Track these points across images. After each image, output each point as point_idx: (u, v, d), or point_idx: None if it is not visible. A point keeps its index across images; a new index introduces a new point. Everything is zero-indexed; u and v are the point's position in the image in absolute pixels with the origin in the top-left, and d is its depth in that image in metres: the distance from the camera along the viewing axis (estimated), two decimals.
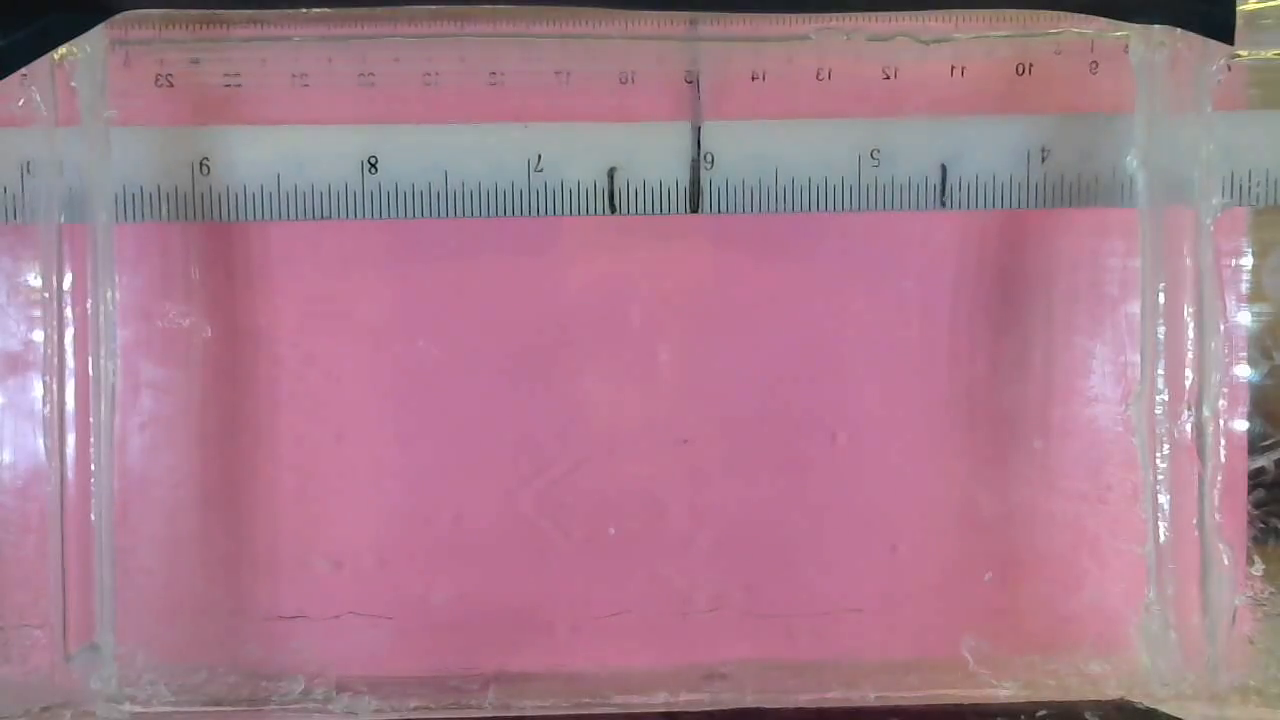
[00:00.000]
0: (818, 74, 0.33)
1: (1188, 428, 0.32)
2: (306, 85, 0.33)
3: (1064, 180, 0.33)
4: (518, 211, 0.33)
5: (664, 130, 0.33)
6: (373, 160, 0.33)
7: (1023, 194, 0.33)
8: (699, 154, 0.33)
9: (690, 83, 0.33)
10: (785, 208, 0.33)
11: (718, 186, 0.33)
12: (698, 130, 0.33)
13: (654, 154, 0.33)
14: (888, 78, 0.33)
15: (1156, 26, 0.31)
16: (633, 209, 0.33)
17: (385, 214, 0.33)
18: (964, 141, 0.33)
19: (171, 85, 0.33)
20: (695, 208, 0.33)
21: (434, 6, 0.32)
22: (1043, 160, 0.33)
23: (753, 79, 0.33)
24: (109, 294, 0.32)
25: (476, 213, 0.33)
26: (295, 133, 0.33)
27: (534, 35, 0.33)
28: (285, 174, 0.33)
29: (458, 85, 0.33)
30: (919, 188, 0.33)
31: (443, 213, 0.33)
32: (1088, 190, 0.33)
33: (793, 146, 0.33)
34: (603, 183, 0.33)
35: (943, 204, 0.33)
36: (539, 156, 0.33)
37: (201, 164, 0.33)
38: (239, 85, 0.33)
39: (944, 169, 0.33)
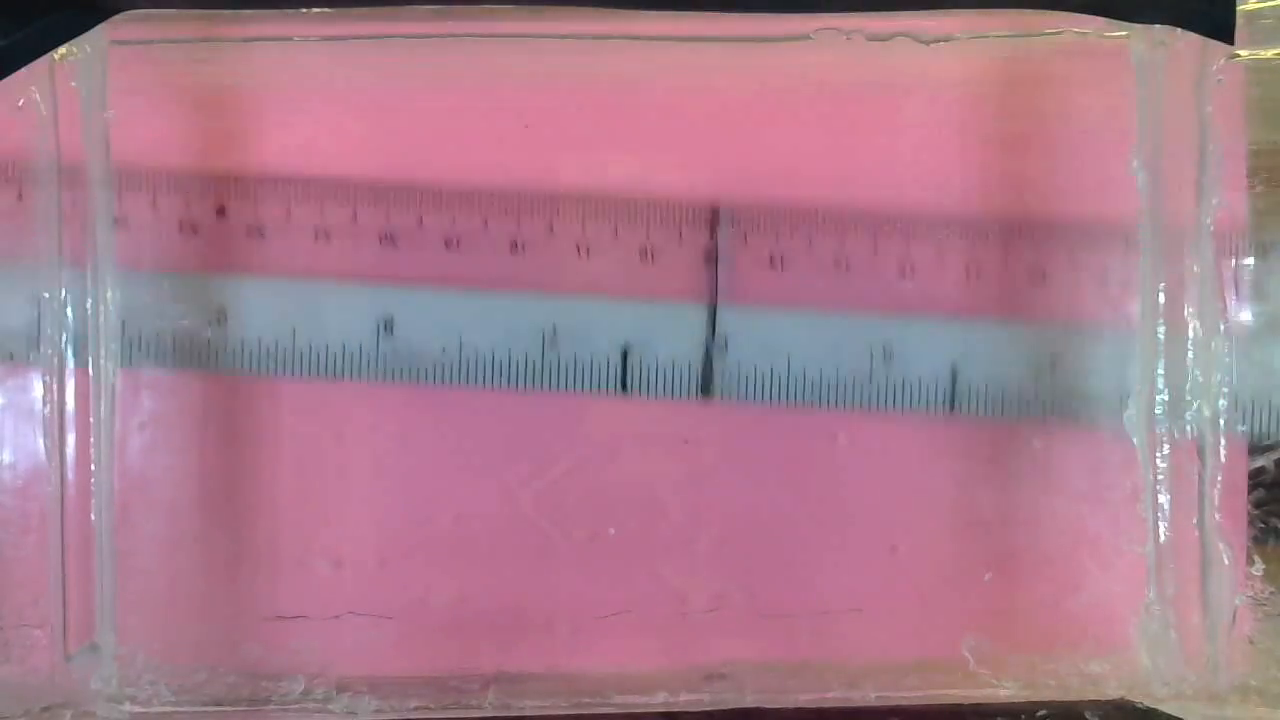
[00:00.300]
0: (835, 262, 0.33)
1: (1188, 428, 0.32)
2: (329, 239, 0.33)
3: (1073, 390, 0.33)
4: (529, 384, 0.33)
5: (680, 311, 0.33)
6: (388, 322, 0.33)
7: (1032, 401, 0.33)
8: (713, 337, 0.33)
9: (709, 264, 0.33)
10: (796, 399, 0.33)
11: (730, 372, 0.33)
12: (713, 313, 0.33)
13: (669, 335, 0.33)
14: (904, 276, 0.33)
15: (1156, 26, 0.31)
16: (645, 390, 0.33)
17: (397, 378, 0.33)
18: (974, 344, 0.33)
19: (195, 232, 0.33)
20: (707, 392, 0.33)
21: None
22: (1052, 369, 0.33)
23: (770, 264, 0.33)
24: (109, 294, 0.32)
25: (488, 383, 0.33)
26: (313, 288, 0.33)
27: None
28: (300, 329, 0.33)
29: (478, 251, 0.33)
30: (929, 389, 0.33)
31: (454, 380, 0.33)
32: (1094, 399, 0.33)
33: (807, 337, 0.33)
34: (615, 360, 0.33)
35: (951, 408, 0.33)
36: (554, 329, 0.33)
37: (218, 314, 0.33)
38: (261, 235, 0.33)
39: (954, 371, 0.33)
